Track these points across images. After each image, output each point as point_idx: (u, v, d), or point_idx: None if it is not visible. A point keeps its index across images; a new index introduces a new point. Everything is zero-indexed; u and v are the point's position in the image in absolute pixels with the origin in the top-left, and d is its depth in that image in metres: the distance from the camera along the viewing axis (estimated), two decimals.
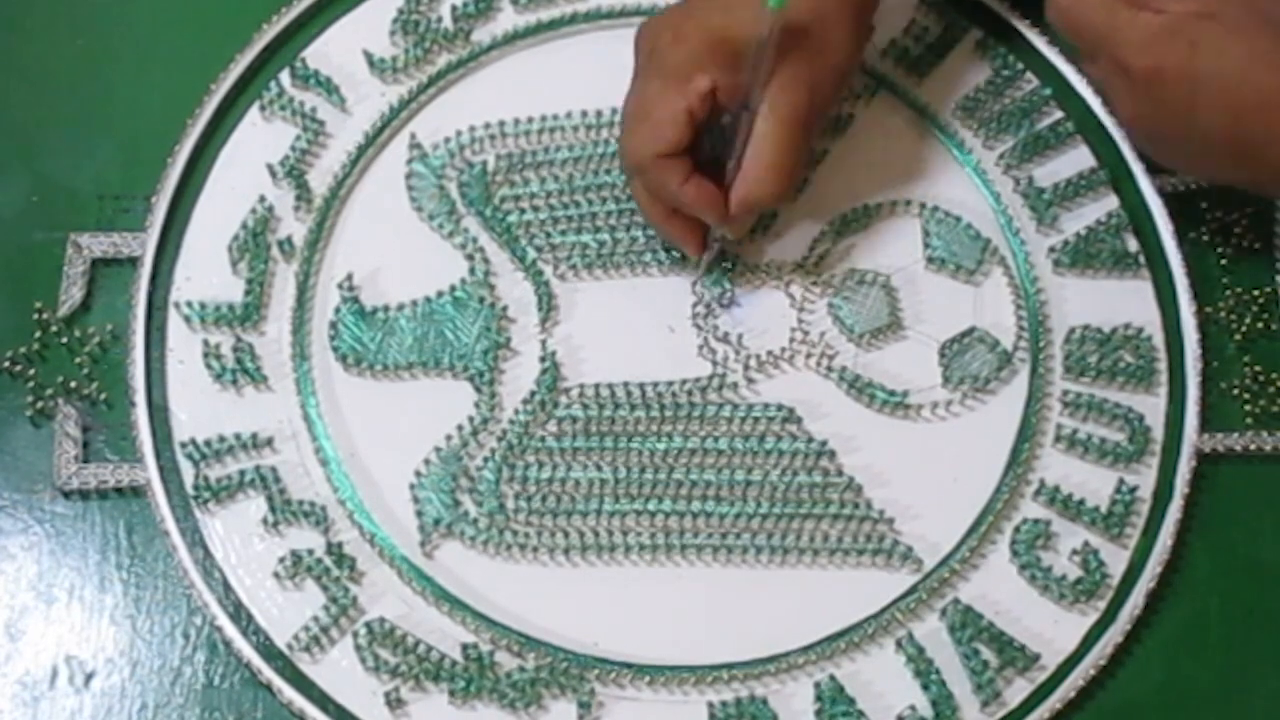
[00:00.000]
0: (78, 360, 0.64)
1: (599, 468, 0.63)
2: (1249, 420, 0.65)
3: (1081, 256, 0.67)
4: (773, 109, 0.59)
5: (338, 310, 0.65)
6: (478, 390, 0.64)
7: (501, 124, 0.69)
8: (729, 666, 0.60)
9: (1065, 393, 0.65)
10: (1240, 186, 0.64)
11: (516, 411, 0.64)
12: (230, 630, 0.59)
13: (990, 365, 0.65)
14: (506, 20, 0.71)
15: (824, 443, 0.63)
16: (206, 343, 0.64)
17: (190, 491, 0.62)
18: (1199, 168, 0.65)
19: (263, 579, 0.61)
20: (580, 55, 0.71)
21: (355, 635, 0.60)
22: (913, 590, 0.61)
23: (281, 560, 0.61)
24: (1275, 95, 0.55)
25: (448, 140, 0.68)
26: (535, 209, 0.68)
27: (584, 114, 0.69)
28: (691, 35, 0.59)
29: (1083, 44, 0.61)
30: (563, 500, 0.62)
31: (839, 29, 0.61)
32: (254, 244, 0.66)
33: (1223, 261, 0.67)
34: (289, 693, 0.59)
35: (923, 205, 0.68)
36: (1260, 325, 0.66)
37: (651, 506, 0.62)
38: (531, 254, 0.67)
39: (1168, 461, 0.64)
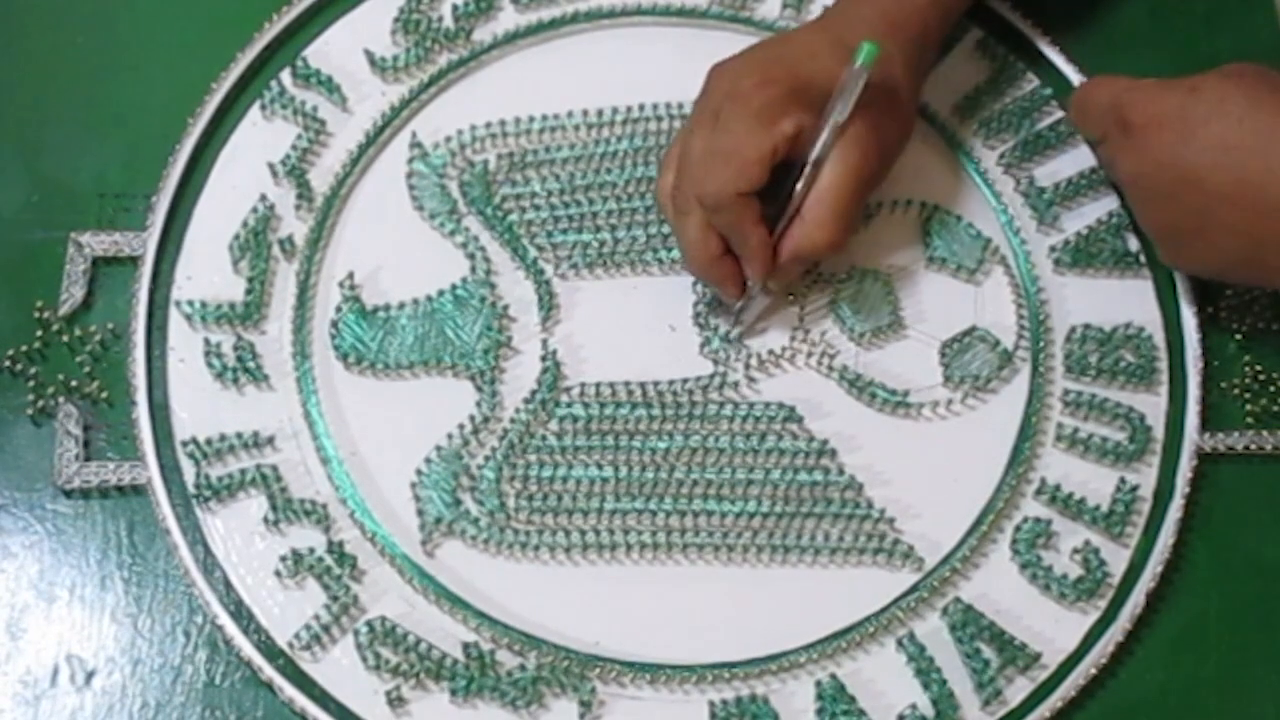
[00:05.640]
0: (79, 359, 0.64)
1: (600, 467, 0.63)
2: (1249, 420, 0.65)
3: (1082, 256, 0.67)
4: (844, 161, 0.59)
5: (339, 309, 0.65)
6: (479, 389, 0.64)
7: (502, 123, 0.69)
8: (730, 665, 0.60)
9: (1066, 392, 0.65)
10: (1250, 275, 0.61)
11: (517, 410, 0.64)
12: (231, 629, 0.59)
13: (991, 364, 0.65)
14: (507, 19, 0.71)
15: (825, 442, 0.63)
16: (207, 341, 0.64)
17: (191, 490, 0.62)
18: (1200, 243, 0.60)
19: (264, 577, 0.61)
20: (581, 55, 0.71)
21: (356, 634, 0.60)
22: (914, 589, 0.61)
23: (283, 559, 0.61)
24: (1272, 135, 0.56)
25: (449, 139, 0.68)
26: (536, 208, 0.68)
27: (585, 113, 0.69)
28: (780, 79, 0.60)
29: (1094, 125, 0.62)
30: (564, 499, 0.62)
31: (906, 96, 0.63)
32: (255, 243, 0.66)
33: None
34: (290, 691, 0.58)
35: (923, 205, 0.68)
36: (1260, 325, 0.66)
37: (653, 505, 0.62)
38: (532, 253, 0.67)
39: (1168, 461, 0.64)
